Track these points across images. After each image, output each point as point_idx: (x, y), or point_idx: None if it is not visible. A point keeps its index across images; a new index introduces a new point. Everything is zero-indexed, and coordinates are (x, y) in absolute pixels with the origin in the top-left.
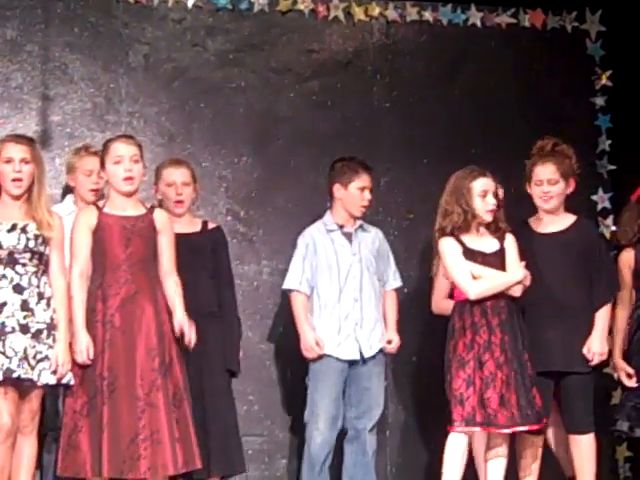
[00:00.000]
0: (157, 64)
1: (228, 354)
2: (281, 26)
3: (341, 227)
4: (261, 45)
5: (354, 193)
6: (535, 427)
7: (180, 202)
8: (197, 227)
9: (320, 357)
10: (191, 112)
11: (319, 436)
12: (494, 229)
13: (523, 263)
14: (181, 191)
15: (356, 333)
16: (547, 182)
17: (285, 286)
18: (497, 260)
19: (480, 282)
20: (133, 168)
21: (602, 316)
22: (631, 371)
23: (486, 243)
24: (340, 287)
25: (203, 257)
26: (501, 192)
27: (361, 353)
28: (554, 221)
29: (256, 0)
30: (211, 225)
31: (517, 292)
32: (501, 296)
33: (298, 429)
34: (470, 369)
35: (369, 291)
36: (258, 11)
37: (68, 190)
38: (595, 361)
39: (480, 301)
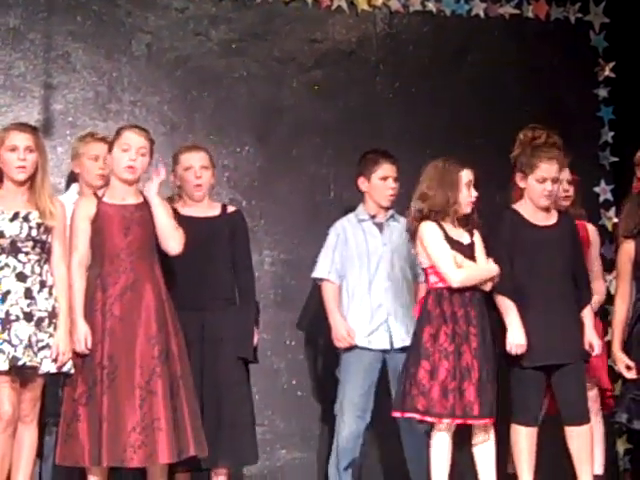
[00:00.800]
0: (160, 53)
1: (241, 342)
2: (284, 16)
3: (373, 217)
4: (264, 35)
5: (377, 183)
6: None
7: (199, 185)
8: (216, 211)
9: (351, 348)
10: (193, 101)
11: (346, 428)
12: (466, 222)
13: (491, 259)
14: (200, 174)
15: (388, 323)
16: (551, 181)
17: (314, 275)
18: (471, 252)
19: (463, 270)
20: (138, 159)
21: (589, 312)
22: (631, 363)
23: (461, 234)
24: (370, 277)
25: (221, 241)
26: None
27: (391, 343)
28: (543, 214)
29: None
30: (231, 209)
31: (487, 286)
32: (477, 288)
33: (298, 419)
34: (452, 360)
35: (400, 281)
36: (261, 0)
37: (72, 179)
38: (597, 351)
39: (460, 291)
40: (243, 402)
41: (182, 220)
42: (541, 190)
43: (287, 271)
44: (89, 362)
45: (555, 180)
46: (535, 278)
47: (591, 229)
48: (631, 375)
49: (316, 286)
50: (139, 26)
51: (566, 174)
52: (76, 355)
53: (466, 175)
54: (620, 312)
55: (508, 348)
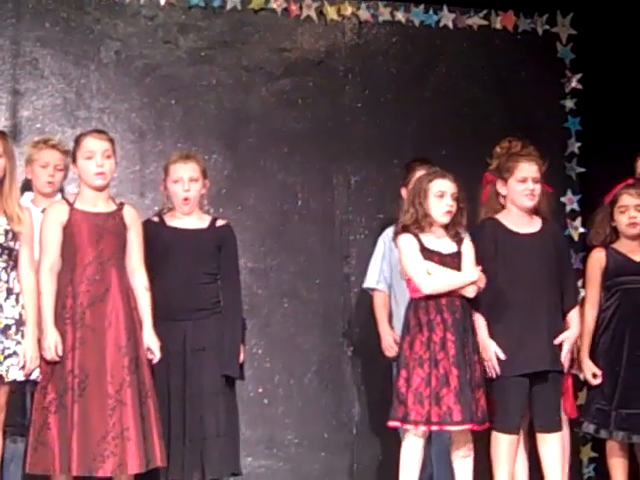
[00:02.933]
0: (128, 60)
1: (227, 358)
2: (253, 24)
3: None
4: (233, 43)
5: None
6: (482, 428)
7: (186, 199)
8: (205, 223)
9: None
10: (162, 109)
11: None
12: (452, 232)
13: (479, 267)
14: (188, 187)
15: None
16: (532, 180)
17: (365, 285)
18: (454, 261)
19: (434, 278)
20: (105, 163)
21: (575, 315)
22: (598, 371)
23: (443, 244)
24: None
25: (207, 254)
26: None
27: None
28: (526, 221)
29: None
30: (220, 222)
31: (470, 293)
32: (456, 295)
33: (264, 427)
34: (428, 367)
35: None
36: (230, 9)
37: (27, 187)
38: (563, 359)
39: (435, 299)
40: (228, 412)
41: (168, 231)
42: (522, 190)
43: (255, 279)
44: (59, 370)
45: (536, 180)
46: (518, 286)
47: None
48: (597, 382)
49: (283, 294)
50: (108, 33)
51: None
52: (46, 363)
53: (436, 185)
54: (589, 320)
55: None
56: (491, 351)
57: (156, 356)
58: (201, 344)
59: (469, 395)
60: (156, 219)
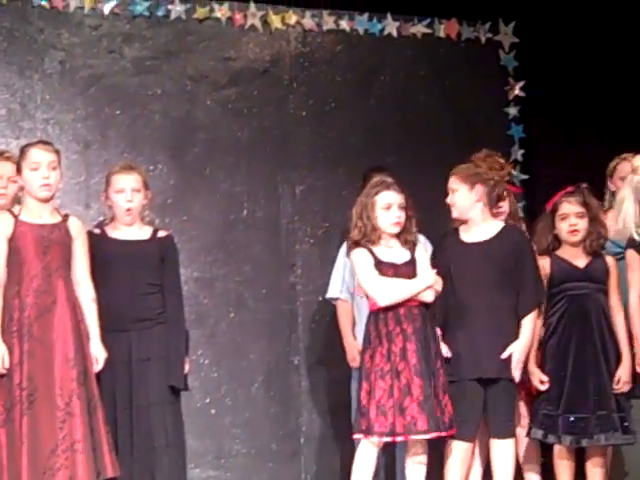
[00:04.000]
0: (73, 70)
1: (172, 369)
2: (198, 34)
3: None
4: (178, 52)
5: None
6: (450, 433)
7: (129, 210)
8: (147, 234)
9: None
10: (107, 119)
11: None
12: (404, 240)
13: (434, 270)
14: (131, 197)
15: None
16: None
17: (327, 295)
18: (409, 269)
19: (390, 289)
20: (50, 175)
21: (527, 323)
22: (544, 377)
23: (397, 254)
24: None
25: (149, 264)
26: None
27: None
28: (481, 229)
29: (173, 7)
30: (162, 233)
31: (429, 297)
32: (414, 304)
33: (212, 438)
34: (389, 379)
35: None
36: (175, 18)
37: None
38: (514, 368)
39: (394, 309)
40: (174, 422)
41: (110, 242)
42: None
43: (201, 289)
44: (7, 383)
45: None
46: (469, 293)
47: None
48: (544, 387)
49: (229, 303)
50: (52, 43)
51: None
52: None
53: (382, 198)
54: (536, 326)
55: None
56: None
57: (99, 366)
58: (146, 354)
59: (433, 403)
60: (97, 231)
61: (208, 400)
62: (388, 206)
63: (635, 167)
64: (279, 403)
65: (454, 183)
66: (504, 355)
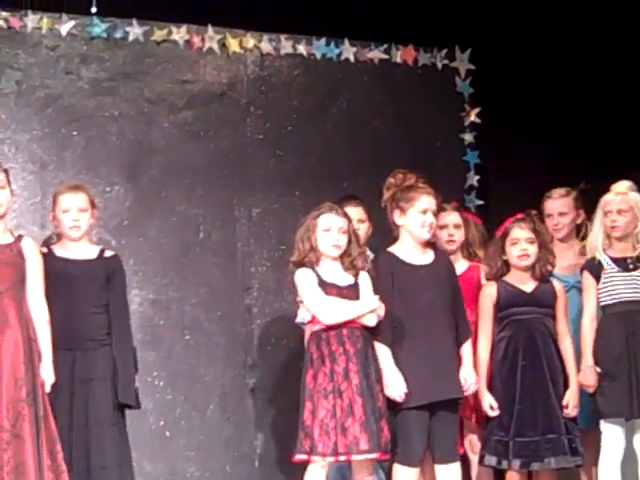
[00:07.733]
0: (30, 91)
1: (123, 387)
2: (156, 56)
3: None
4: (135, 74)
5: None
6: (386, 457)
7: (76, 227)
8: (93, 254)
9: None
10: (63, 140)
11: None
12: (347, 265)
13: (377, 296)
14: (77, 217)
15: None
16: (432, 213)
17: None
18: (351, 293)
19: (334, 308)
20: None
21: (468, 349)
22: (494, 403)
23: (340, 277)
24: None
25: (95, 284)
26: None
27: None
28: (420, 253)
29: (131, 29)
30: (108, 253)
31: (371, 321)
32: (357, 326)
33: (166, 460)
34: (332, 399)
35: None
36: (133, 40)
37: None
38: (471, 390)
39: (337, 330)
40: (116, 444)
41: (56, 260)
42: (422, 222)
43: (156, 311)
44: None
45: (434, 213)
46: (415, 317)
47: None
48: (494, 414)
49: (185, 325)
50: (9, 63)
51: (454, 218)
52: None
53: (323, 220)
54: (484, 351)
55: (389, 395)
56: (398, 381)
57: (46, 389)
58: (89, 375)
59: (374, 424)
60: (45, 250)
61: (162, 422)
62: (328, 228)
63: (611, 189)
64: (234, 426)
65: (436, 206)
66: (465, 391)
